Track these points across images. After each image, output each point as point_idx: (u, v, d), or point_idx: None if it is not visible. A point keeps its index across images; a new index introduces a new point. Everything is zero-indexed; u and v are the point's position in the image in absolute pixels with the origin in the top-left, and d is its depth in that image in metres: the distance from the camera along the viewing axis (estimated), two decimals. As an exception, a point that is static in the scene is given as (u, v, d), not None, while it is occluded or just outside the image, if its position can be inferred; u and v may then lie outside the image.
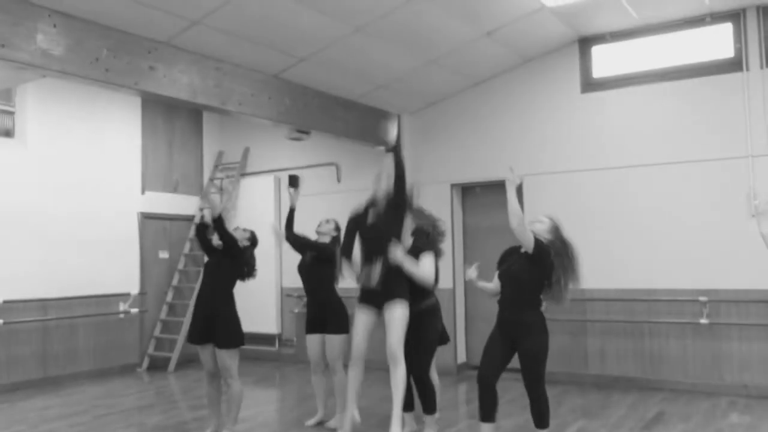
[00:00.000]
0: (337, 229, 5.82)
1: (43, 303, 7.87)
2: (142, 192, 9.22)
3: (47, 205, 8.03)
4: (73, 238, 8.25)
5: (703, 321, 6.69)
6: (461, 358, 8.24)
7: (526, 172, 7.79)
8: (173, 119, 9.71)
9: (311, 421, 5.75)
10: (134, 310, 8.83)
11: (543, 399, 4.39)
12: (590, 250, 7.33)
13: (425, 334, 5.09)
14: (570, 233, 7.49)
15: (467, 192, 8.47)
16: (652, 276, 7.02)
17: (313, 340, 5.72)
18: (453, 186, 8.33)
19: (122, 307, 8.74)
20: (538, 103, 7.79)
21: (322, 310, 5.61)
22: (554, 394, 6.76)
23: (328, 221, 5.92)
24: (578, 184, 7.49)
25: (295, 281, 9.39)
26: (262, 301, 9.44)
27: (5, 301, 7.45)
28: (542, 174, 7.68)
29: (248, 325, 9.32)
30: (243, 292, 9.85)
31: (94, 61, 5.15)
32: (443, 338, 5.59)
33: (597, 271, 7.29)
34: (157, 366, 8.97)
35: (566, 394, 6.82)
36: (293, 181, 5.91)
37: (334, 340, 5.52)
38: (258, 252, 9.74)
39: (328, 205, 9.31)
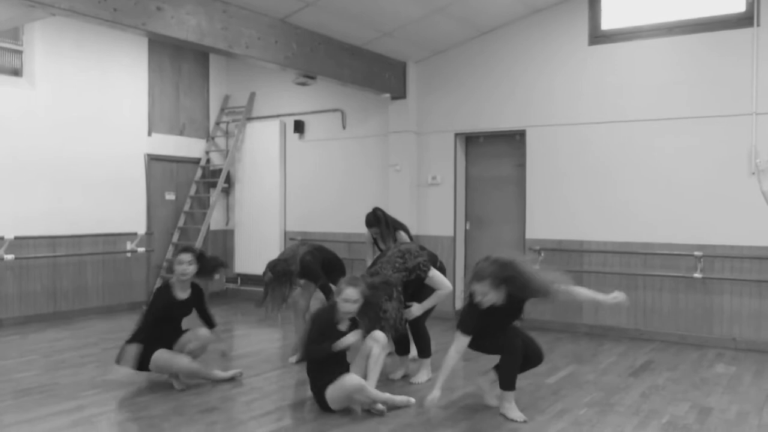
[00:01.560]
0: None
1: (53, 240, 8.06)
2: (149, 134, 9.30)
3: (56, 143, 8.14)
4: (81, 178, 8.39)
5: (697, 275, 6.83)
6: (459, 304, 8.43)
7: (531, 124, 7.84)
8: (180, 62, 9.72)
9: (293, 359, 6.01)
10: (141, 250, 9.02)
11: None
12: (591, 202, 7.49)
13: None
14: (572, 185, 7.64)
15: (471, 142, 8.52)
16: (650, 230, 7.13)
17: (306, 287, 6.11)
18: (457, 135, 8.38)
19: (129, 246, 8.93)
20: (545, 55, 7.77)
21: None
22: (547, 341, 6.97)
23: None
24: (582, 137, 7.53)
25: (298, 225, 9.63)
26: (266, 243, 9.62)
27: (16, 237, 7.63)
28: (547, 126, 7.72)
29: (252, 267, 9.64)
30: (247, 234, 10.09)
31: (103, 0, 5.17)
32: None
33: (596, 223, 7.43)
34: (163, 304, 9.19)
35: (559, 341, 7.02)
36: None
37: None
38: (262, 195, 9.93)
39: (333, 151, 9.42)
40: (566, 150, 7.62)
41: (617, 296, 4.35)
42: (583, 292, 4.51)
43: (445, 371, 4.39)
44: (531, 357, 4.58)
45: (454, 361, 4.38)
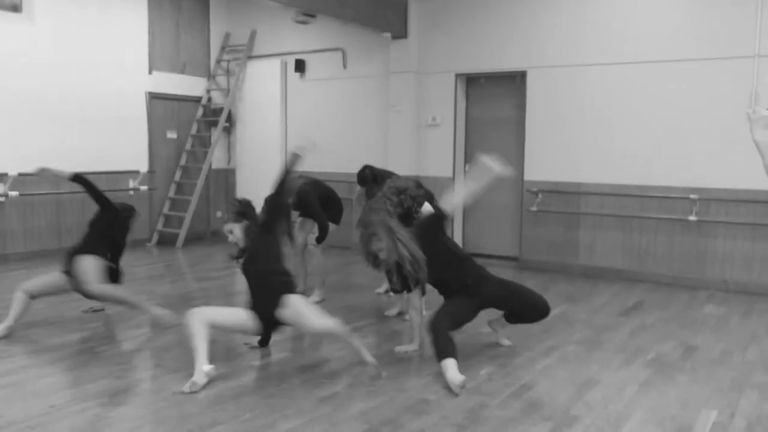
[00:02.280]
0: None
1: (56, 177, 8.12)
2: (150, 72, 9.26)
3: (56, 80, 8.13)
4: (82, 115, 8.41)
5: (692, 218, 6.90)
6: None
7: (532, 65, 7.79)
8: (180, -2, 9.61)
9: None
10: (143, 188, 9.12)
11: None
12: (589, 144, 7.51)
13: None
14: (570, 127, 7.62)
15: (472, 82, 8.49)
16: (647, 172, 7.17)
17: (303, 225, 6.20)
18: (458, 76, 8.34)
19: (132, 184, 9.02)
20: (549, -6, 7.67)
21: None
22: (542, 280, 7.13)
23: None
24: (581, 79, 7.49)
25: (309, 165, 9.64)
26: (267, 182, 9.62)
27: (20, 174, 7.71)
28: (547, 67, 7.67)
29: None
30: (248, 173, 10.13)
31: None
32: None
33: (594, 165, 7.47)
34: (166, 241, 9.36)
35: (554, 281, 7.15)
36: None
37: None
38: (264, 134, 9.92)
39: (334, 90, 9.39)
40: (566, 91, 7.59)
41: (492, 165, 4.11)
42: (464, 190, 4.40)
43: (416, 327, 4.59)
44: (530, 313, 4.55)
45: (419, 317, 4.58)
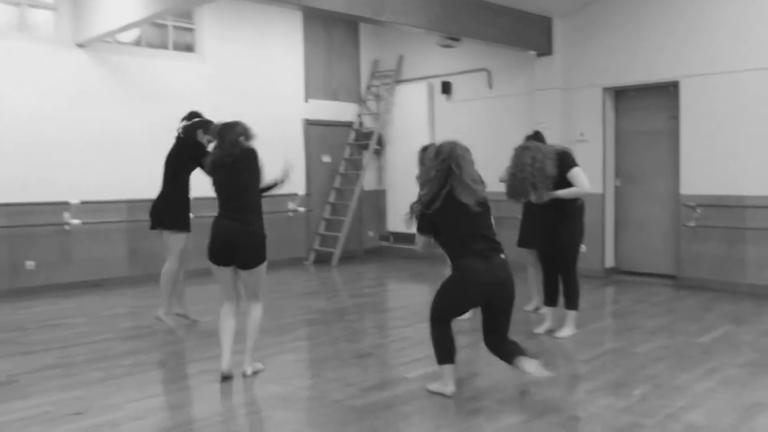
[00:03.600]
0: None
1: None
2: (306, 100, 9.88)
3: (225, 111, 8.85)
4: (246, 143, 9.13)
5: None
6: (609, 262, 8.32)
7: (685, 74, 7.47)
8: (332, 30, 10.18)
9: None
10: (301, 209, 9.70)
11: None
12: (751, 154, 7.07)
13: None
14: (731, 136, 7.20)
15: (621, 96, 8.27)
16: (822, 183, 6.62)
17: None
18: (605, 90, 8.16)
19: (290, 206, 9.62)
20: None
21: None
22: (703, 299, 6.79)
23: None
24: (741, 86, 7.06)
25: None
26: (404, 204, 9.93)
27: (195, 198, 8.48)
28: (702, 75, 7.31)
29: (404, 226, 9.99)
30: (399, 194, 10.44)
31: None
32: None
33: (758, 176, 7.01)
34: (322, 260, 9.86)
35: (716, 301, 6.76)
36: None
37: None
38: (413, 155, 10.15)
39: (479, 110, 9.50)
40: (723, 100, 7.19)
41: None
42: None
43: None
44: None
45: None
